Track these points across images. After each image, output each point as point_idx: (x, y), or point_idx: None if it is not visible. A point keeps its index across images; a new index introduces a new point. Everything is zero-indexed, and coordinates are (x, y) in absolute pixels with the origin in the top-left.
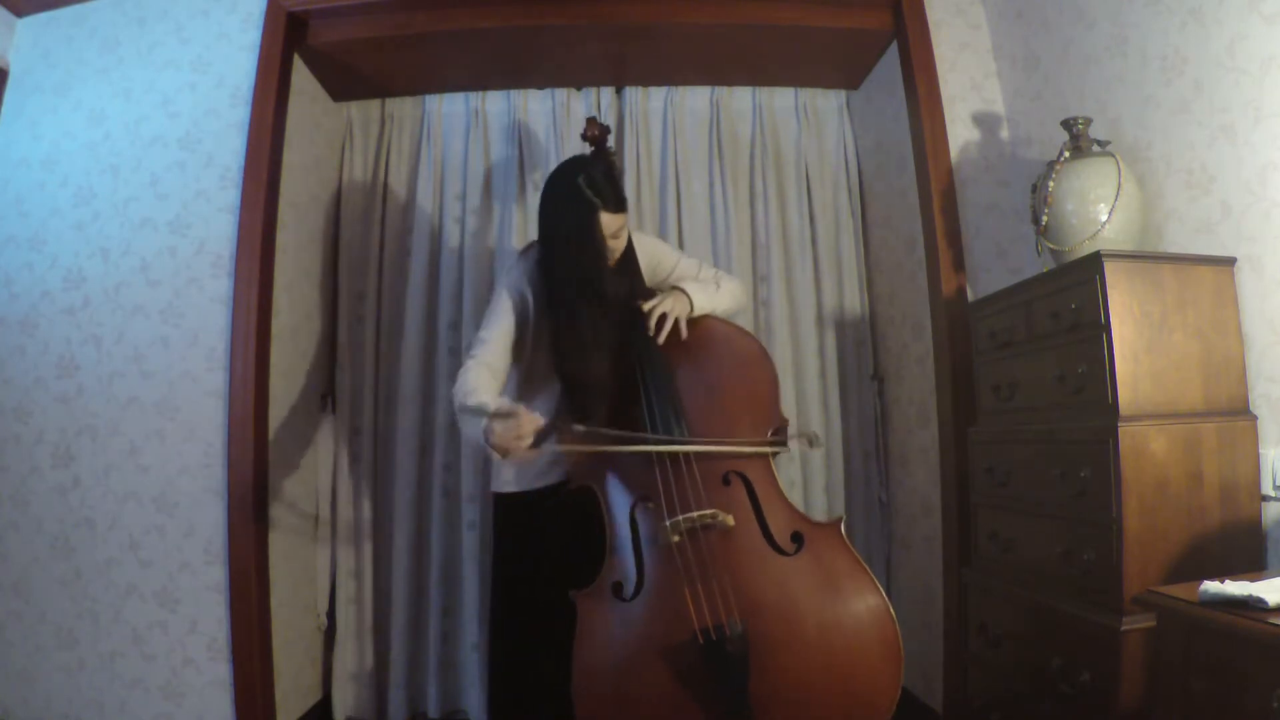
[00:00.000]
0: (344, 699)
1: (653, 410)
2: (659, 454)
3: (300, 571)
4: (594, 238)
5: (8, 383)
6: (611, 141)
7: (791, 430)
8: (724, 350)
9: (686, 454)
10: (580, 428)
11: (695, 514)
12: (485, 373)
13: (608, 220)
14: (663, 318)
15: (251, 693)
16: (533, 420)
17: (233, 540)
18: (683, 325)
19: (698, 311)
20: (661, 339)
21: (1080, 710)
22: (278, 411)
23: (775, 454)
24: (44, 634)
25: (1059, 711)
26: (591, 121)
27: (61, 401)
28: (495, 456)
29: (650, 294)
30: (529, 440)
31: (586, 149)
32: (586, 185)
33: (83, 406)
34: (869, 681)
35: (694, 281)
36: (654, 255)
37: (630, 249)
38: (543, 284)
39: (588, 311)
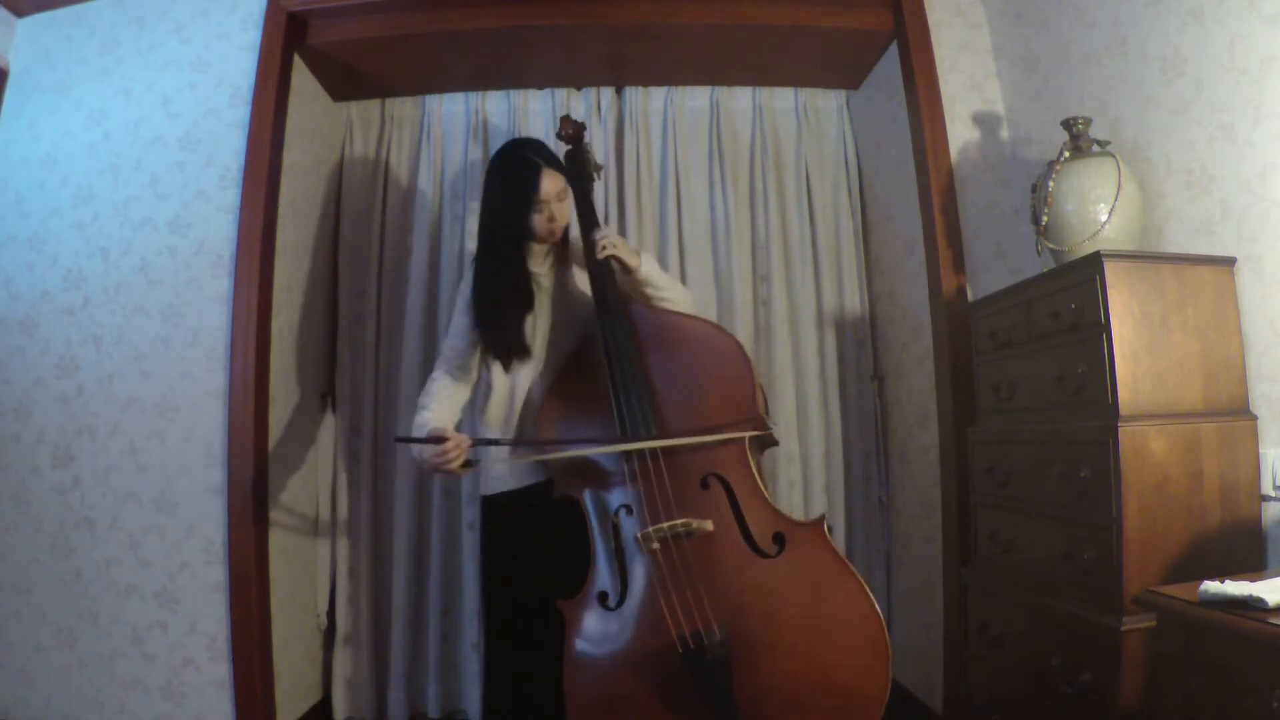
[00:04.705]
0: (344, 699)
1: (622, 409)
2: (629, 457)
3: (300, 571)
4: (535, 193)
5: (8, 383)
6: (589, 138)
7: (773, 427)
8: (697, 346)
9: (659, 455)
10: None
11: (672, 523)
12: (447, 383)
13: (550, 178)
14: (607, 243)
15: (251, 693)
16: (459, 444)
17: (233, 540)
18: (625, 259)
19: (641, 271)
20: (600, 254)
21: (1080, 710)
22: (278, 411)
23: (758, 453)
24: (44, 634)
25: (1059, 711)
26: (565, 120)
27: (61, 401)
28: (435, 476)
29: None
30: (456, 463)
31: (564, 148)
32: (524, 147)
33: (83, 406)
34: (858, 679)
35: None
36: None
37: None
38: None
39: (509, 262)
